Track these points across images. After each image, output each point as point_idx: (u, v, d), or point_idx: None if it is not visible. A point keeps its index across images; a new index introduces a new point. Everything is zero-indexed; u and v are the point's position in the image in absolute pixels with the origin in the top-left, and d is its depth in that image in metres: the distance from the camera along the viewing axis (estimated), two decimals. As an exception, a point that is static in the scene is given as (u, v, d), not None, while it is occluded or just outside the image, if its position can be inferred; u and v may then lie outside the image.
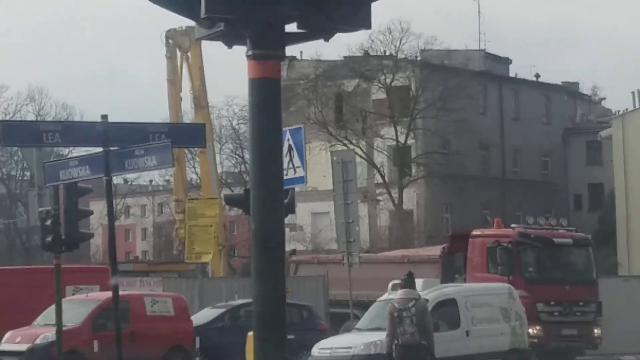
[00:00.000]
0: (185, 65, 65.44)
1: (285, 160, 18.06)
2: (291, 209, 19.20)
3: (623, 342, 39.29)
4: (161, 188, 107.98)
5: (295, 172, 17.89)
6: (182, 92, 64.78)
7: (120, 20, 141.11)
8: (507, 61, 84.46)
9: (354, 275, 33.60)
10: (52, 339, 29.23)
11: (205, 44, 63.78)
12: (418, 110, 72.85)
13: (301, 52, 79.46)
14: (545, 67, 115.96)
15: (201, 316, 35.39)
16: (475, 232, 38.52)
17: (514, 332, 29.11)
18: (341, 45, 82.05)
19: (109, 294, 34.87)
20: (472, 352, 27.78)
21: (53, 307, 29.93)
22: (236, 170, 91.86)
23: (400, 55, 73.02)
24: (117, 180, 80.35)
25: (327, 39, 6.49)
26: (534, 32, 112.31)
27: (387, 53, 72.99)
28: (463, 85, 72.92)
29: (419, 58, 73.80)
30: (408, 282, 22.08)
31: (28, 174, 72.64)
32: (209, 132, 54.78)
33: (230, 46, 6.52)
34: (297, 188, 21.60)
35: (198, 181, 76.82)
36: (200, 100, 63.73)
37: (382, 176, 71.56)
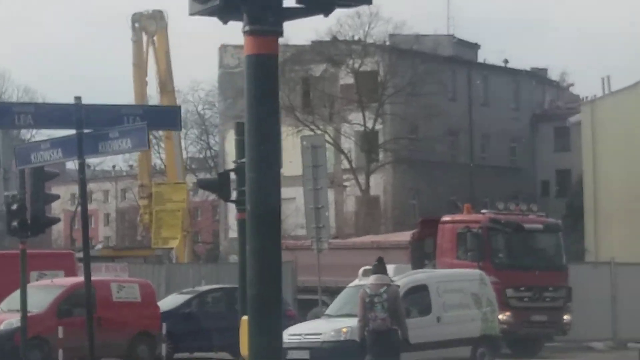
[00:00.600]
0: (151, 50, 65.36)
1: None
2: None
3: (592, 329, 39.28)
4: (124, 173, 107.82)
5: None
6: (148, 76, 64.71)
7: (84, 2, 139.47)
8: (475, 46, 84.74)
9: (322, 262, 33.48)
10: (16, 325, 29.08)
11: (172, 29, 64.10)
12: (386, 96, 72.77)
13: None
14: (514, 52, 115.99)
15: (168, 302, 35.28)
16: (445, 218, 38.56)
17: (485, 318, 29.12)
18: (309, 30, 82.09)
19: (74, 279, 34.89)
20: (443, 339, 27.74)
21: (17, 292, 29.84)
22: (201, 156, 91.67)
23: (369, 40, 72.91)
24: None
25: (326, 14, 6.45)
26: (502, 17, 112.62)
27: (356, 38, 72.90)
28: (432, 71, 72.96)
29: (387, 43, 73.77)
30: (379, 268, 22.03)
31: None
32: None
33: (225, 22, 6.46)
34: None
35: (162, 167, 76.67)
36: (166, 84, 63.67)
37: (350, 162, 71.45)
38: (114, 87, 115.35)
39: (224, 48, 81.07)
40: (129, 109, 16.64)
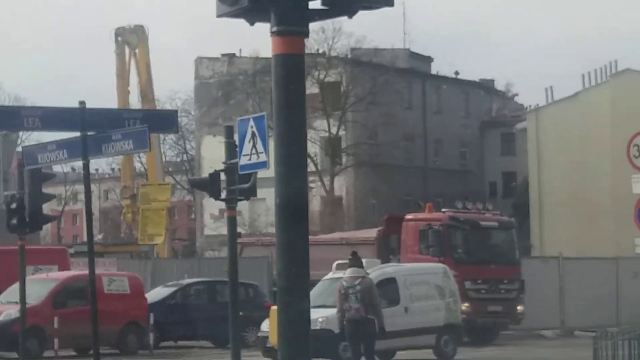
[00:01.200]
0: (133, 61, 65.37)
1: (249, 146, 17.66)
2: (253, 193, 18.84)
3: (542, 318, 39.40)
4: (107, 176, 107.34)
5: (258, 157, 17.39)
6: (130, 85, 64.63)
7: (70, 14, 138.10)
8: (429, 59, 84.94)
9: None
10: (15, 316, 28.87)
11: (151, 41, 63.92)
12: (349, 105, 72.98)
13: (240, 50, 79.46)
14: (464, 65, 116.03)
15: (154, 294, 34.93)
16: (409, 216, 38.46)
17: (449, 308, 29.05)
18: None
19: (68, 273, 34.70)
20: (411, 327, 27.57)
21: (15, 285, 29.62)
22: (178, 160, 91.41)
23: (333, 53, 72.92)
24: (66, 168, 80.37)
25: (350, 16, 6.14)
26: (453, 33, 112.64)
27: (321, 51, 72.76)
28: (390, 82, 73.12)
29: (349, 56, 73.88)
30: (355, 262, 21.93)
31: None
32: (145, 110, 54.64)
33: (252, 23, 6.15)
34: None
35: (142, 169, 76.41)
36: (147, 93, 63.71)
37: (315, 165, 71.17)
38: (96, 97, 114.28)
39: (199, 60, 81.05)
40: (129, 113, 16.38)
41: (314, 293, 28.82)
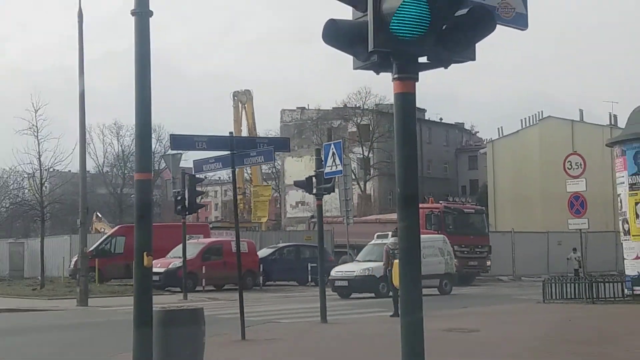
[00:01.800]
0: (243, 112, 65.19)
1: (331, 160, 17.26)
2: (332, 190, 18.41)
3: (501, 269, 38.91)
4: (225, 181, 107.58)
5: (336, 167, 17.06)
6: (242, 126, 64.36)
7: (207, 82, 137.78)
8: (424, 110, 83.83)
9: (349, 230, 32.88)
10: (179, 265, 28.77)
11: (256, 100, 63.63)
12: (375, 138, 72.40)
13: (308, 105, 79.05)
14: (445, 113, 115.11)
15: (262, 252, 34.35)
16: (419, 206, 37.96)
17: (447, 262, 28.48)
18: (332, 100, 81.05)
19: (210, 239, 34.44)
20: (424, 274, 26.90)
21: (178, 247, 29.64)
22: (269, 171, 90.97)
23: (366, 107, 72.34)
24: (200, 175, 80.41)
25: (446, 67, 5.65)
26: (438, 93, 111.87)
27: (358, 105, 72.36)
28: (400, 124, 72.79)
29: (375, 108, 72.96)
30: (396, 233, 21.30)
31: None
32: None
33: (378, 73, 5.68)
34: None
35: (247, 177, 76.20)
36: (252, 131, 63.25)
37: (355, 175, 70.72)
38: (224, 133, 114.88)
39: (283, 111, 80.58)
40: (260, 139, 15.91)
41: (363, 252, 28.52)
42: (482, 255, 35.94)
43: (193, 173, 21.81)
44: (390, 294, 25.81)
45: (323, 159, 17.47)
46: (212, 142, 14.22)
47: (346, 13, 5.74)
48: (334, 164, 17.09)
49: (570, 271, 37.58)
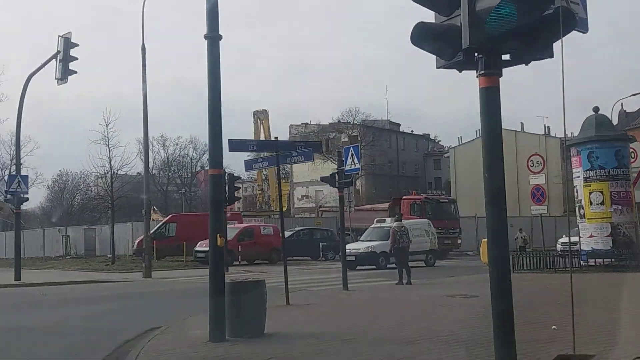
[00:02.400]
0: (261, 127, 64.26)
1: (350, 160, 16.47)
2: (351, 184, 17.58)
3: (468, 245, 37.56)
4: (245, 180, 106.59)
5: (355, 165, 16.28)
6: (260, 138, 63.14)
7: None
8: (398, 124, 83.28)
9: (350, 217, 32.10)
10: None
11: (271, 117, 62.51)
12: (362, 146, 70.98)
13: (310, 121, 78.08)
14: (415, 126, 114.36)
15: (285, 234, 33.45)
16: (405, 197, 37.21)
17: (431, 241, 27.73)
18: (329, 117, 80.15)
19: (244, 224, 33.39)
20: (414, 250, 25.98)
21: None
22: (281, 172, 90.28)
23: (355, 122, 71.37)
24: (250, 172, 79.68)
25: (527, 64, 4.84)
26: (408, 109, 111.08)
27: (349, 121, 71.40)
28: (381, 136, 72.20)
29: (362, 123, 71.91)
30: (399, 218, 20.58)
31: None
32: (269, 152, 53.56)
33: (460, 70, 4.86)
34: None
35: (263, 177, 75.29)
36: (268, 141, 62.40)
37: (347, 174, 70.19)
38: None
39: (291, 126, 79.60)
40: (299, 143, 15.03)
41: (366, 234, 27.65)
42: (454, 235, 35.11)
43: (244, 171, 21.00)
44: (389, 266, 25.20)
45: (343, 159, 16.69)
46: (261, 145, 13.47)
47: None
48: (352, 162, 16.30)
49: (516, 248, 36.97)
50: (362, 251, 25.71)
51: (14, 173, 21.26)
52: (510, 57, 4.73)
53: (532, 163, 20.98)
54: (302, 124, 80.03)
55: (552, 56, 4.77)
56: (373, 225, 27.38)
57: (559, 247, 30.11)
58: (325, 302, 13.94)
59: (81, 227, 45.18)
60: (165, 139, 79.58)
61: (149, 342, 9.40)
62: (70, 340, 10.15)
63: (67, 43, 20.24)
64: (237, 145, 13.85)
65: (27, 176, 21.89)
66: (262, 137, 63.00)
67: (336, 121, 73.30)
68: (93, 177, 78.42)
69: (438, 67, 4.98)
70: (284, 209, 44.00)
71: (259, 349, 8.44)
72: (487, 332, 5.56)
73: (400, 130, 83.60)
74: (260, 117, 65.48)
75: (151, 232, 31.24)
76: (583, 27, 5.16)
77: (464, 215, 46.05)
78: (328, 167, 67.58)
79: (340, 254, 28.49)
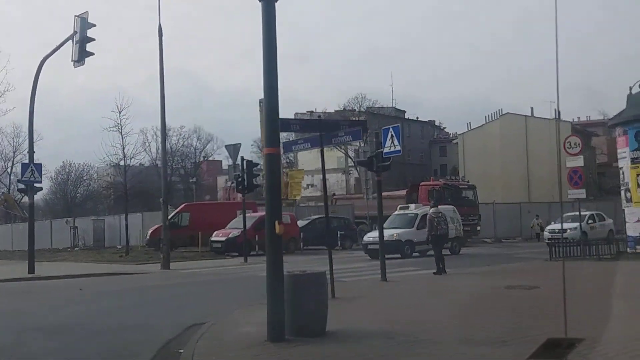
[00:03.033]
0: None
1: (389, 142, 15.39)
2: (389, 167, 16.53)
3: (486, 232, 37.10)
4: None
5: (395, 147, 15.19)
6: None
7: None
8: (404, 112, 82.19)
9: (368, 204, 31.18)
10: (237, 234, 27.00)
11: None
12: (368, 133, 70.06)
13: (315, 109, 76.82)
14: (421, 113, 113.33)
15: (299, 223, 32.39)
16: (423, 183, 36.21)
17: (457, 228, 26.74)
18: (335, 104, 79.07)
19: (261, 213, 32.15)
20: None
21: (234, 220, 28.05)
22: (284, 162, 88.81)
23: (361, 109, 70.14)
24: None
25: None
26: (413, 97, 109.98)
27: (355, 108, 70.13)
28: (387, 122, 69.91)
29: (368, 110, 70.76)
30: (436, 205, 19.59)
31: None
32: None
33: None
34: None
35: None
36: (275, 130, 60.98)
37: (354, 162, 69.04)
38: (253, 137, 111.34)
39: (295, 114, 77.71)
40: (343, 122, 13.98)
41: (389, 221, 26.42)
42: (473, 222, 34.04)
43: (282, 153, 19.91)
44: (414, 255, 24.19)
45: (382, 140, 15.65)
46: (304, 124, 12.35)
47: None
48: (392, 144, 15.20)
49: (533, 235, 36.07)
50: (386, 239, 24.55)
51: (27, 162, 20.10)
52: None
53: (570, 144, 19.88)
54: (308, 112, 78.59)
55: None
56: (396, 212, 26.32)
57: (546, 234, 29.38)
58: (372, 294, 12.89)
59: (89, 217, 44.13)
60: (168, 129, 78.24)
61: (198, 343, 8.37)
62: (105, 339, 9.16)
63: (84, 23, 19.06)
64: (285, 125, 12.77)
65: (40, 164, 20.79)
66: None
67: (342, 109, 72.13)
68: (96, 169, 77.66)
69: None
70: (298, 197, 43.09)
71: (329, 351, 7.42)
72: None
73: (406, 117, 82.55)
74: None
75: (164, 222, 30.29)
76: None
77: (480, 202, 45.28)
78: (333, 156, 66.63)
79: (359, 242, 27.79)
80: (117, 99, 28.19)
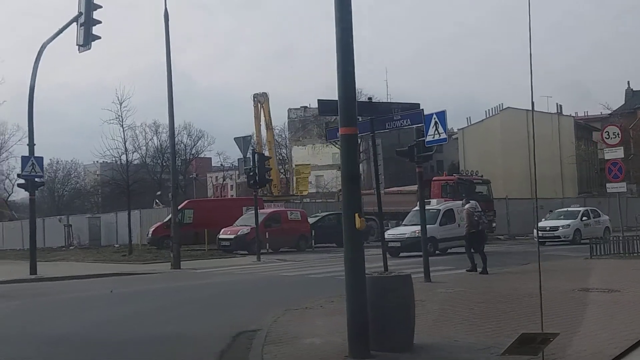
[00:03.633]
0: (261, 109, 61.51)
1: (433, 129, 14.09)
2: (430, 157, 15.29)
3: (500, 228, 35.83)
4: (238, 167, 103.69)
5: (439, 136, 13.87)
6: (260, 122, 60.51)
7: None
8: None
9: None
10: (246, 232, 25.80)
11: (271, 100, 59.87)
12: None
13: (310, 104, 75.47)
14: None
15: (310, 220, 31.09)
16: (435, 178, 35.06)
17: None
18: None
19: (269, 210, 30.96)
20: (460, 235, 24.00)
21: (242, 216, 26.76)
22: (277, 157, 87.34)
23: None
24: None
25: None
26: (413, 94, 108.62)
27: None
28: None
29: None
30: (469, 199, 18.42)
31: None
32: (269, 136, 51.69)
33: None
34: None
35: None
36: (269, 124, 59.52)
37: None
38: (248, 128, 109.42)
39: (290, 109, 77.08)
40: (395, 105, 12.67)
41: (409, 217, 25.28)
42: (488, 217, 32.71)
43: (327, 139, 18.51)
44: (437, 252, 23.02)
45: (424, 129, 14.29)
46: (358, 106, 10.96)
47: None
48: (436, 132, 13.89)
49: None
50: (408, 236, 23.44)
51: (27, 155, 18.61)
52: None
53: (608, 134, 18.74)
54: (302, 107, 77.17)
55: None
56: (416, 208, 24.98)
57: (535, 232, 28.52)
58: (425, 297, 11.57)
59: (84, 215, 42.56)
60: (158, 126, 76.37)
61: (265, 358, 7.09)
62: (151, 350, 7.89)
63: (90, 4, 17.64)
64: (326, 106, 11.47)
65: (41, 157, 19.27)
66: (262, 121, 60.49)
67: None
68: (82, 166, 75.72)
69: None
70: (305, 192, 41.72)
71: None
72: None
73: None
74: (261, 100, 62.48)
75: (166, 219, 28.90)
76: None
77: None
78: (329, 152, 65.11)
79: (381, 239, 26.48)
80: (117, 89, 26.53)
